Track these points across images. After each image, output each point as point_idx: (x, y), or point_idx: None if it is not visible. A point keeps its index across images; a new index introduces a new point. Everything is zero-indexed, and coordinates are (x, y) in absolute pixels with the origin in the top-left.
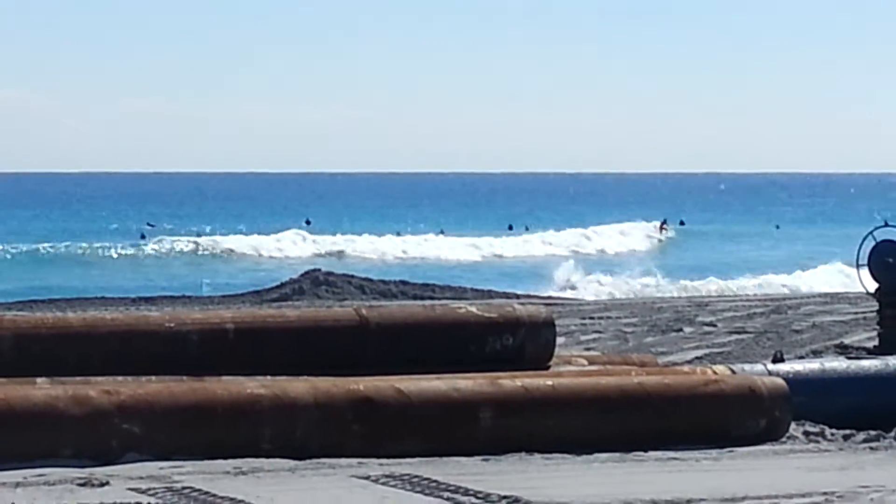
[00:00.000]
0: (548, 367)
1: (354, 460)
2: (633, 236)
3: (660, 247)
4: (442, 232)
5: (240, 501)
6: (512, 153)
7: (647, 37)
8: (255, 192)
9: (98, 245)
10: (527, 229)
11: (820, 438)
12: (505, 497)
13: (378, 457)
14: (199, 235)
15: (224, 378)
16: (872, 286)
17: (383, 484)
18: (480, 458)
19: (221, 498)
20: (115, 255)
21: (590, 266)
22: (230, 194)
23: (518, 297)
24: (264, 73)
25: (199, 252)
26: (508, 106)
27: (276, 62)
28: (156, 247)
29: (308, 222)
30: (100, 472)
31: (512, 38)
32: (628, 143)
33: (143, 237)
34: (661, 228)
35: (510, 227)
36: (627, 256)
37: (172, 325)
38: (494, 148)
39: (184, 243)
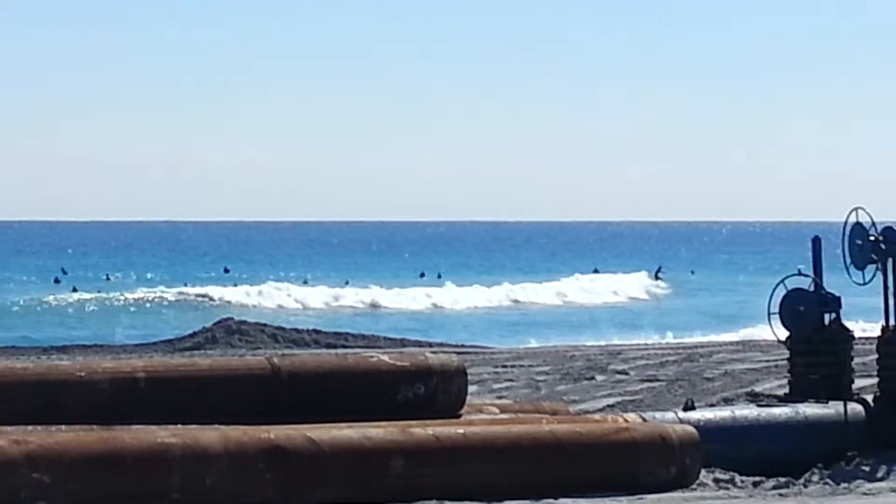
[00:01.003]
0: (459, 416)
1: None
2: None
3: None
4: (347, 283)
5: None
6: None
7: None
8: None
9: (9, 293)
10: (439, 277)
11: (730, 486)
12: None
13: None
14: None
15: (134, 427)
16: (783, 334)
17: None
18: None
19: None
20: (24, 304)
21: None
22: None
23: (431, 345)
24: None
25: (111, 301)
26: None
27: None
28: (72, 295)
29: (226, 270)
30: None
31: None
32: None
33: (57, 281)
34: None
35: (422, 275)
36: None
37: (83, 374)
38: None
39: (95, 292)
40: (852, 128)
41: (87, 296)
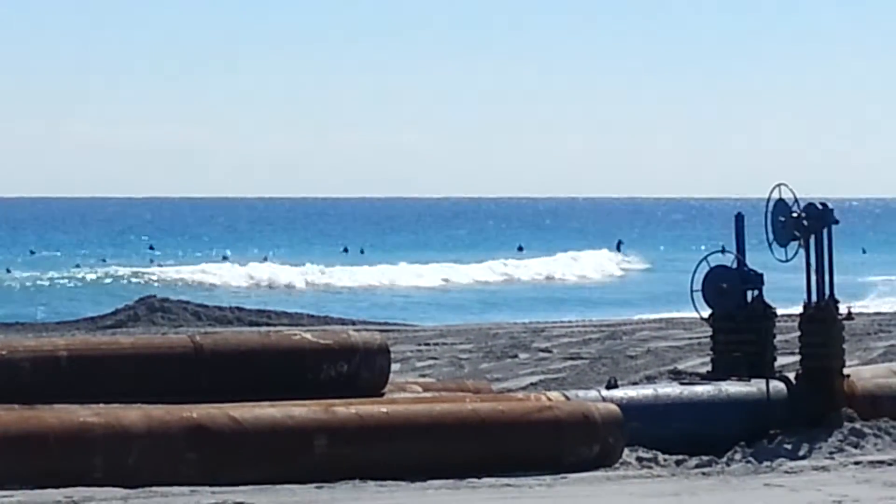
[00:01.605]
0: (382, 394)
1: (187, 488)
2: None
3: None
4: (265, 259)
5: None
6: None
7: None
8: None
9: None
10: (362, 252)
11: (653, 464)
12: None
13: (211, 485)
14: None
15: (56, 406)
16: (706, 311)
17: None
18: (314, 485)
19: None
20: None
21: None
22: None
23: (354, 323)
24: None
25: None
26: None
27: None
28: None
29: (151, 248)
30: None
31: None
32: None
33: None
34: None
35: (345, 250)
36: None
37: (4, 352)
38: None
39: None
40: (779, 105)
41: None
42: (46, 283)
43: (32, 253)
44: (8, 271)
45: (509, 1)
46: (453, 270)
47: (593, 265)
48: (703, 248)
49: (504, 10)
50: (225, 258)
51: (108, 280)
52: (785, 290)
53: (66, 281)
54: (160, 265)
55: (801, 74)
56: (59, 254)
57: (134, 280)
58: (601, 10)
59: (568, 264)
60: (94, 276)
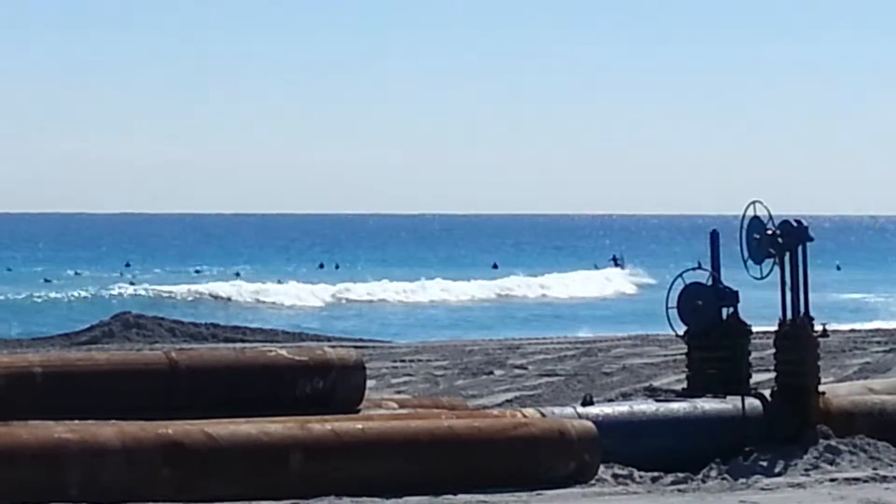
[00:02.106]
0: (358, 411)
1: None
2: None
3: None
4: (237, 275)
5: None
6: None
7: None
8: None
9: None
10: (336, 267)
11: (629, 481)
12: None
13: (187, 501)
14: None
15: (31, 422)
16: (681, 328)
17: None
18: (290, 502)
19: None
20: None
21: None
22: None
23: (329, 339)
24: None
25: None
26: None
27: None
28: None
29: (128, 264)
30: None
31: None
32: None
33: None
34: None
35: (320, 266)
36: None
37: None
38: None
39: None
40: (753, 124)
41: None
42: (21, 298)
43: (10, 270)
44: None
45: (494, 18)
46: (444, 286)
47: (600, 284)
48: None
49: (491, 25)
50: (198, 272)
51: (87, 294)
52: (760, 307)
53: (39, 297)
54: (132, 283)
55: (780, 94)
56: (39, 269)
57: (135, 292)
58: (591, 26)
59: (589, 281)
60: (83, 293)
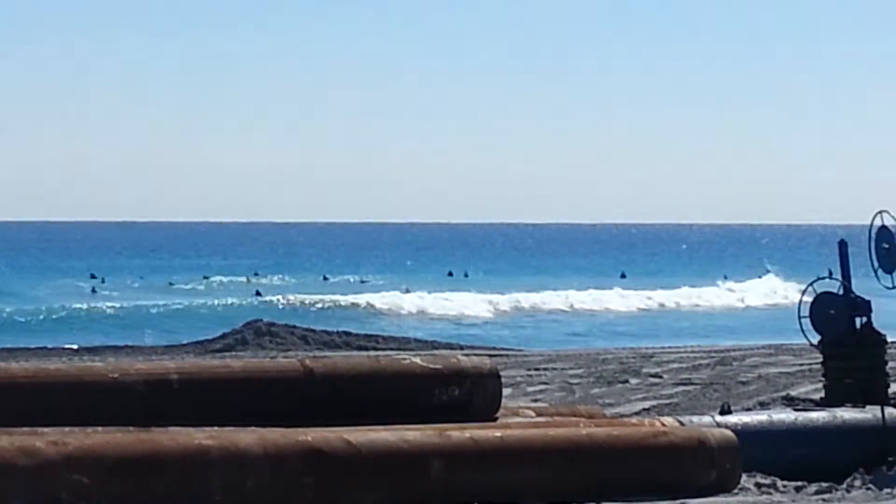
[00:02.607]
0: (495, 419)
1: None
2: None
3: None
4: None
5: None
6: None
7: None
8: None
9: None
10: (466, 276)
11: (772, 490)
12: None
13: None
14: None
15: (171, 429)
16: (815, 338)
17: None
18: None
19: None
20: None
21: None
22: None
23: (461, 348)
24: None
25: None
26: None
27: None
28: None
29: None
30: None
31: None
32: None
33: (93, 291)
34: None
35: (450, 274)
36: None
37: (117, 375)
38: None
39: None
40: (879, 130)
41: (114, 286)
42: (151, 307)
43: (142, 278)
44: (93, 291)
45: (498, 23)
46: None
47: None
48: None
49: (494, 28)
50: (326, 279)
51: (218, 303)
52: (891, 318)
53: (169, 306)
54: (258, 292)
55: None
56: (173, 277)
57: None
58: (605, 31)
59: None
60: (214, 301)
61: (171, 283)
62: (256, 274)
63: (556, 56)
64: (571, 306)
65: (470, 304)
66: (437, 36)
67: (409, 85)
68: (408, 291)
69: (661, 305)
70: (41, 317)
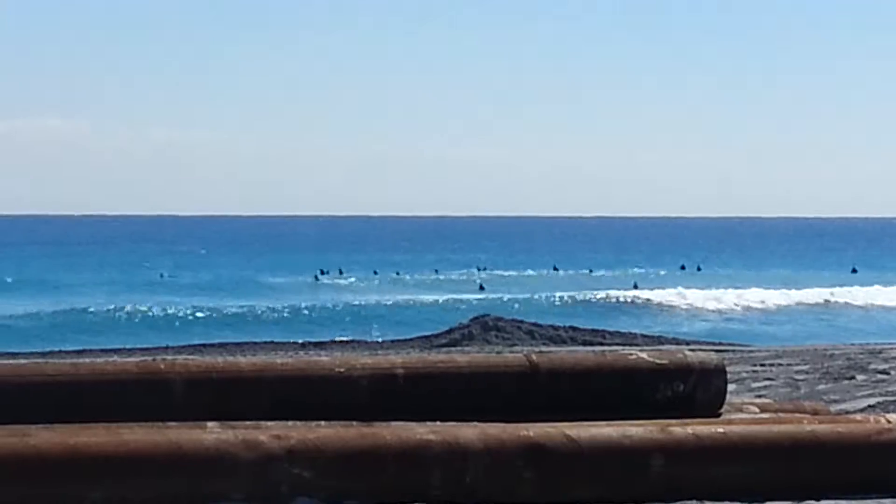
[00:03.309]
0: (719, 415)
1: None
2: None
3: None
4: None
5: None
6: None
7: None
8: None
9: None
10: (699, 269)
11: None
12: None
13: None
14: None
15: (393, 423)
16: None
17: None
18: None
19: None
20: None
21: None
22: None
23: (688, 343)
24: None
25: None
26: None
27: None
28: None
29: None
30: None
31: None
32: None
33: (316, 278)
34: None
35: (683, 267)
36: None
37: (342, 369)
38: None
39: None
40: None
41: (344, 282)
42: (375, 302)
43: (398, 274)
44: (315, 278)
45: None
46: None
47: None
48: None
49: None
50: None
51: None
52: None
53: (394, 301)
54: (482, 286)
55: None
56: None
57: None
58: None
59: None
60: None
61: (397, 273)
62: (484, 269)
63: None
64: (798, 302)
65: (700, 299)
66: None
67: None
68: (636, 287)
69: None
70: (265, 311)
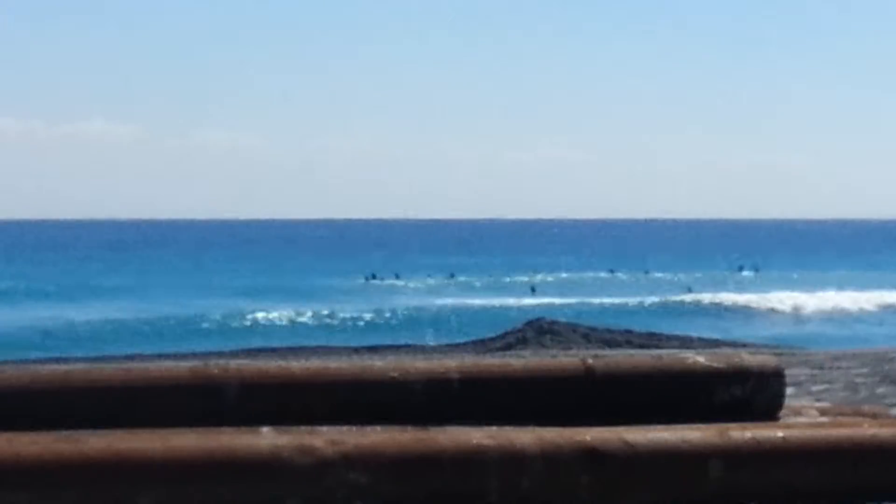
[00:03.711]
0: (778, 419)
1: None
2: None
3: None
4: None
5: None
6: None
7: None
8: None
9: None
10: (757, 270)
11: None
12: None
13: None
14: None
15: (449, 428)
16: None
17: None
18: None
19: None
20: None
21: None
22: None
23: (745, 346)
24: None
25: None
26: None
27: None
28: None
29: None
30: None
31: None
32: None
33: (367, 280)
34: None
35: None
36: None
37: (396, 374)
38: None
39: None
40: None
41: (400, 283)
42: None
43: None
44: (366, 281)
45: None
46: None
47: None
48: None
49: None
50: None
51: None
52: None
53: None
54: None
55: None
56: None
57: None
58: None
59: None
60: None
61: (451, 276)
62: (538, 272)
63: None
64: (857, 304)
65: (757, 301)
66: None
67: None
68: (689, 291)
69: None
70: (317, 315)
